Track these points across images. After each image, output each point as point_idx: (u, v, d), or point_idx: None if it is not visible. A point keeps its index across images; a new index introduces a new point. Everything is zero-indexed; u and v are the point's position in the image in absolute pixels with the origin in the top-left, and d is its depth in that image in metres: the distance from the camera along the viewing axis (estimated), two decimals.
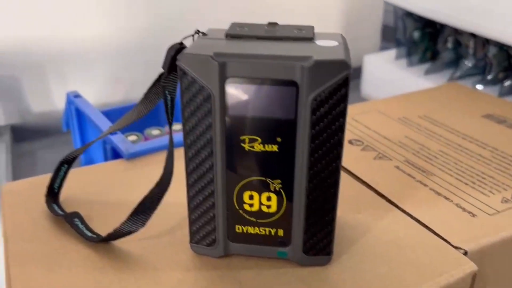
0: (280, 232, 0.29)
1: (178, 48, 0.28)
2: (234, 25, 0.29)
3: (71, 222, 0.33)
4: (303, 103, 0.25)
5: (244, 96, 0.25)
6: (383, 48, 1.37)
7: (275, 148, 0.26)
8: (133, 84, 0.83)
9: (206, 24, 0.81)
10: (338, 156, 0.26)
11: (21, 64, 0.75)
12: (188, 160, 0.28)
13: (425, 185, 0.39)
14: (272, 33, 0.27)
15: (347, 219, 0.35)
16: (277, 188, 0.27)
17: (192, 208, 0.29)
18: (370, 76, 1.06)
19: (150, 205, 0.31)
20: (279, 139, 0.26)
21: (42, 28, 0.74)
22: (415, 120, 0.52)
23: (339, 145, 0.26)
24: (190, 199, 0.29)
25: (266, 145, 0.26)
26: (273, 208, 0.28)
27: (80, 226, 0.33)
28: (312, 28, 0.28)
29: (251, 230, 0.29)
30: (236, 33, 0.27)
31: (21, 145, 0.76)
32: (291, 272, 0.29)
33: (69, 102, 0.64)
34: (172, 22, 0.83)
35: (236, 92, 0.25)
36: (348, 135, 0.49)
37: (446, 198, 0.37)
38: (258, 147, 0.26)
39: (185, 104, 0.26)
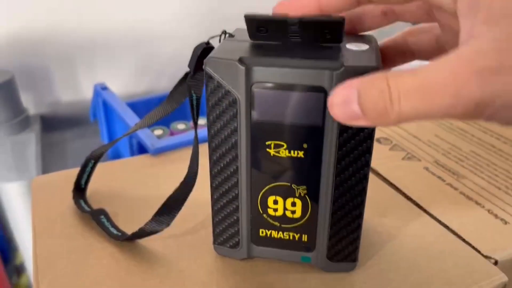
0: (304, 238, 0.28)
1: (205, 48, 0.27)
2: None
3: (97, 219, 0.34)
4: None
5: (270, 102, 0.25)
6: None
7: (301, 154, 0.26)
8: (159, 75, 0.83)
9: (233, 15, 0.81)
10: (367, 164, 0.26)
11: (51, 55, 0.76)
12: (212, 163, 0.28)
13: (455, 188, 0.38)
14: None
15: (373, 224, 0.34)
16: (302, 194, 0.27)
17: (216, 210, 0.29)
18: (402, 68, 1.04)
19: (174, 206, 0.31)
20: (305, 145, 0.25)
21: (71, 18, 0.75)
22: None
23: (367, 152, 0.25)
24: (214, 201, 0.29)
25: (292, 151, 0.26)
26: (298, 214, 0.28)
27: (106, 223, 0.34)
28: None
29: (274, 234, 0.29)
30: (263, 35, 0.26)
31: (50, 134, 0.77)
32: (315, 278, 0.29)
33: (96, 94, 0.64)
34: (198, 13, 0.82)
35: (262, 97, 0.25)
36: (376, 133, 0.47)
37: (477, 203, 0.36)
38: (283, 152, 0.26)
39: (211, 107, 0.26)
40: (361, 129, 0.25)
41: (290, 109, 0.25)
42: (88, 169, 0.37)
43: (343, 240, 0.28)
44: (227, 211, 0.29)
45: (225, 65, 0.24)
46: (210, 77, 0.25)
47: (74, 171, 0.38)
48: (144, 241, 0.32)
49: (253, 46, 0.26)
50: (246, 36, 0.27)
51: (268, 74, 0.24)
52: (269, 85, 0.24)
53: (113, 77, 0.78)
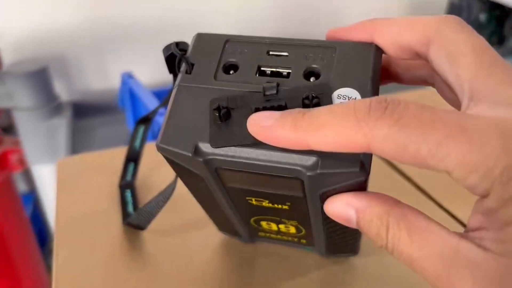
0: (303, 241, 0.29)
1: (172, 53, 0.22)
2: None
3: (122, 193, 0.36)
4: (310, 194, 0.21)
5: (241, 180, 0.21)
6: None
7: (285, 207, 0.24)
8: None
9: (257, 9, 0.81)
10: None
11: (83, 45, 0.79)
12: (197, 200, 0.27)
13: None
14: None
15: None
16: (293, 224, 0.26)
17: (212, 217, 0.30)
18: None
19: (153, 210, 0.32)
20: (288, 203, 0.23)
21: (103, 10, 0.78)
22: None
23: None
24: (208, 214, 0.29)
25: (275, 204, 0.24)
26: (292, 231, 0.28)
27: (128, 198, 0.35)
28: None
29: (274, 236, 0.29)
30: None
31: (81, 121, 0.81)
32: (316, 263, 0.30)
33: (123, 82, 0.67)
34: (223, 2, 0.83)
35: (232, 176, 0.21)
36: None
37: None
38: (267, 204, 0.24)
39: (180, 176, 0.24)
40: None
41: (266, 185, 0.21)
42: (139, 133, 0.37)
43: (342, 245, 0.28)
44: (222, 222, 0.29)
45: (179, 155, 0.20)
46: (167, 158, 0.21)
47: (96, 154, 0.40)
48: (155, 223, 0.34)
49: (213, 114, 0.19)
50: (207, 66, 0.21)
51: (233, 165, 0.20)
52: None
53: (141, 66, 0.81)
